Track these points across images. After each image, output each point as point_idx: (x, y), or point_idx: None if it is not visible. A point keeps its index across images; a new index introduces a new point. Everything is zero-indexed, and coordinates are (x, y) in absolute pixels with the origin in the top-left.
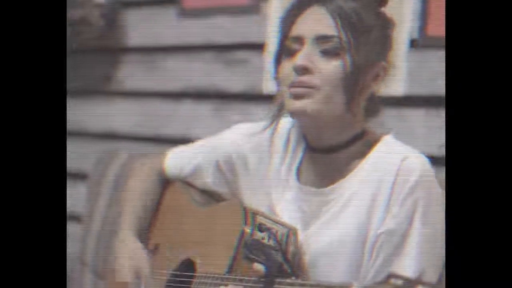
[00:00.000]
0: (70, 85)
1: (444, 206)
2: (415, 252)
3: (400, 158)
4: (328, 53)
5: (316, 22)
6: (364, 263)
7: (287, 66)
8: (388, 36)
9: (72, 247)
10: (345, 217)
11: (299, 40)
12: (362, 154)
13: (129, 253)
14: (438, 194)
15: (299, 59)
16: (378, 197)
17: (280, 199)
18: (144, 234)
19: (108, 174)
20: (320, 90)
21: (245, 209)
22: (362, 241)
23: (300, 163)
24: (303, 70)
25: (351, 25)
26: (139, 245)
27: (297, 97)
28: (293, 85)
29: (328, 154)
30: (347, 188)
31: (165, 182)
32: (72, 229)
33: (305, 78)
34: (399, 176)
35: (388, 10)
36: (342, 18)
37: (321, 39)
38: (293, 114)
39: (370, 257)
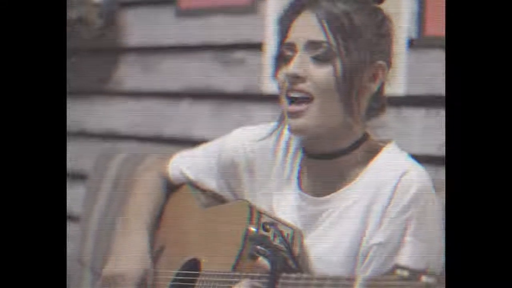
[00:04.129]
0: (69, 85)
1: (443, 217)
2: (414, 247)
3: (400, 172)
4: (319, 59)
5: (306, 28)
6: (357, 270)
7: (282, 72)
8: (385, 35)
9: (71, 247)
10: (342, 227)
11: (292, 47)
12: (362, 162)
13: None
14: (435, 208)
15: (292, 67)
16: (374, 209)
17: (282, 205)
18: (151, 235)
19: (107, 174)
20: (315, 100)
21: (251, 208)
22: (355, 251)
23: (300, 169)
24: (295, 78)
25: (341, 28)
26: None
27: (294, 115)
28: (287, 93)
29: (328, 160)
30: (345, 198)
31: (170, 186)
32: (71, 229)
33: (297, 86)
34: (397, 191)
35: (385, 9)
36: (331, 22)
37: (311, 45)
38: (295, 133)
39: (362, 264)
